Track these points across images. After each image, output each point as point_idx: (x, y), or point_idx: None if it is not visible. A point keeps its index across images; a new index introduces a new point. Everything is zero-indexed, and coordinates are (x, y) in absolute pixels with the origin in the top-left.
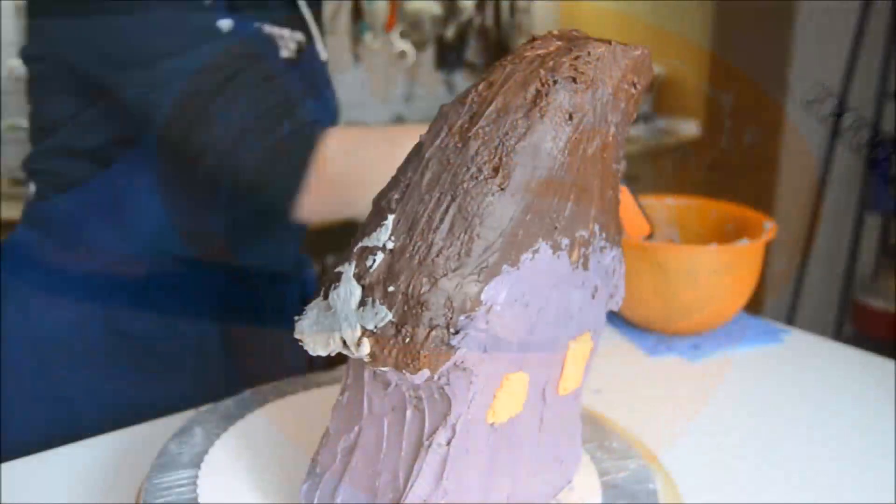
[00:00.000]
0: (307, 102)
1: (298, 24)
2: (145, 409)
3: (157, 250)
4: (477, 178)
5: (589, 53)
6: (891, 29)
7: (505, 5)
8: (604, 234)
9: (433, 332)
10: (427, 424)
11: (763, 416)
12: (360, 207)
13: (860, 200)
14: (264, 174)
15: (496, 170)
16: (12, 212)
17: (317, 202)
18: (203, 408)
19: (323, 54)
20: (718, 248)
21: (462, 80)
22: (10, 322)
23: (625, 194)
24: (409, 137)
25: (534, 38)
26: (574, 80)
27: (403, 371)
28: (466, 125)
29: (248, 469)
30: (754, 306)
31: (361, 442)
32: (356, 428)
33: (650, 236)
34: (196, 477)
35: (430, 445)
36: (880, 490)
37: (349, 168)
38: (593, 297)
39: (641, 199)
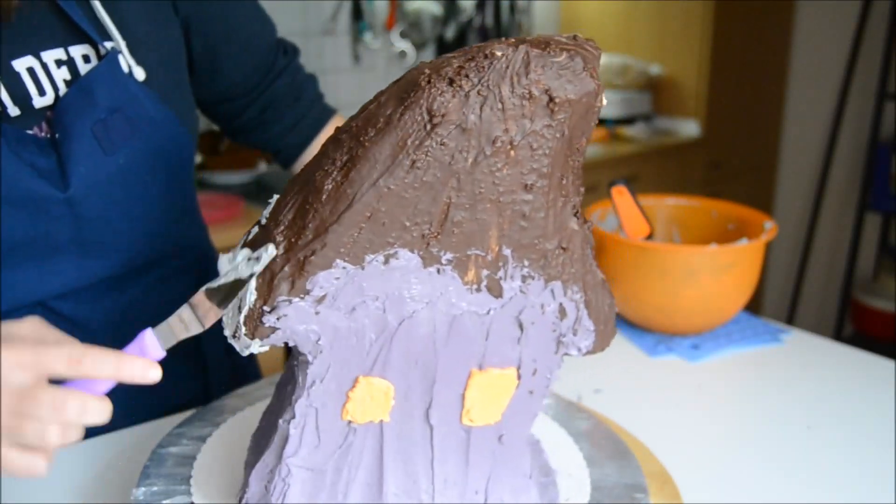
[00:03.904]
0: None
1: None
2: (142, 410)
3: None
4: (326, 169)
5: (484, 57)
6: (891, 29)
7: (505, 5)
8: (526, 262)
9: (249, 306)
10: (288, 401)
11: (763, 416)
12: None
13: (860, 200)
14: None
15: (344, 164)
16: None
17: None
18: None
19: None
20: (718, 248)
21: None
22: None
23: (625, 194)
24: None
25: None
26: (451, 82)
27: (231, 338)
28: (352, 119)
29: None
30: (754, 306)
31: (271, 405)
32: (276, 393)
33: (650, 236)
34: (198, 450)
35: (279, 420)
36: (880, 490)
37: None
38: (521, 330)
39: (641, 199)
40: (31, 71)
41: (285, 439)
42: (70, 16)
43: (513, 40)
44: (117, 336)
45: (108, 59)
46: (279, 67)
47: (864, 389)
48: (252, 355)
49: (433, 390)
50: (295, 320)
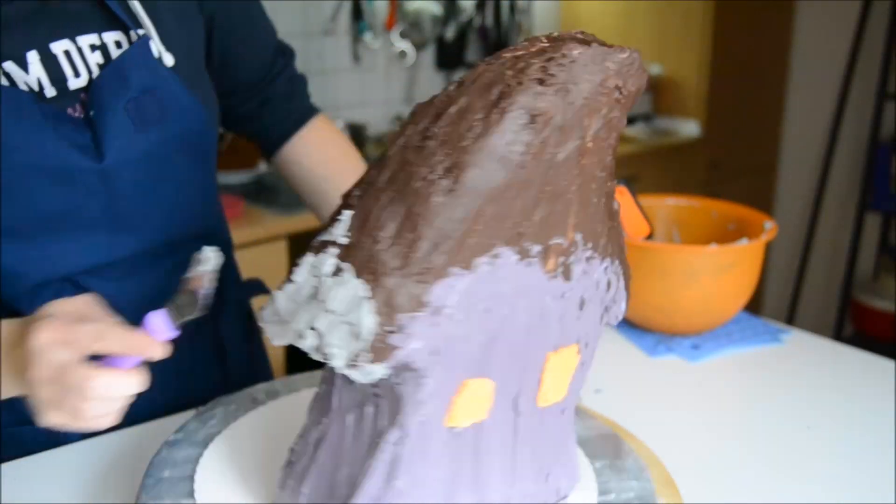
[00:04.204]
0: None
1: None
2: (164, 399)
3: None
4: (427, 178)
5: (564, 55)
6: (891, 29)
7: (505, 5)
8: (590, 244)
9: (372, 330)
10: (382, 423)
11: (763, 417)
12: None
13: (860, 200)
14: None
15: (448, 170)
16: None
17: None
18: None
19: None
20: (718, 248)
21: None
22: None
23: (625, 194)
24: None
25: (526, 40)
26: (541, 81)
27: (347, 368)
28: (428, 125)
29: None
30: (754, 306)
31: (328, 435)
32: (325, 421)
33: (650, 236)
34: (201, 455)
35: (382, 444)
36: (880, 490)
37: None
38: (581, 308)
39: (641, 199)
40: (67, 54)
41: (393, 462)
42: (106, 3)
43: (545, 36)
44: (139, 315)
45: (140, 44)
46: (279, 68)
47: (864, 389)
48: (263, 346)
49: (521, 379)
50: (417, 337)
